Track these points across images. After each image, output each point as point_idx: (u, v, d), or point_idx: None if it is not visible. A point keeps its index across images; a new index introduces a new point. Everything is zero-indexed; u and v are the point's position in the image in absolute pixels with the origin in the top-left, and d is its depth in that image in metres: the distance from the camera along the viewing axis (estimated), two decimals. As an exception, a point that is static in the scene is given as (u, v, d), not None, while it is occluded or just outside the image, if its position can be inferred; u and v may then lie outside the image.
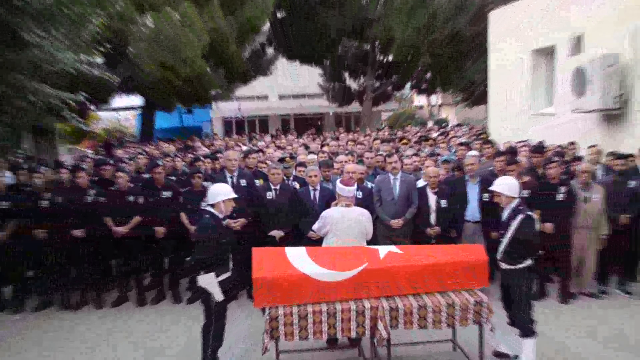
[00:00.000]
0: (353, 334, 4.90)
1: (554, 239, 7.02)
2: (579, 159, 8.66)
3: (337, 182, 5.79)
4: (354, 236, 5.62)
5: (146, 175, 8.70)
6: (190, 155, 10.29)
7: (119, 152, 11.44)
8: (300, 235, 7.16)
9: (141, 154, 10.01)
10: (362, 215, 5.72)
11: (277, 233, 7.20)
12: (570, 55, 12.09)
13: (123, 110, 33.57)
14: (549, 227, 7.03)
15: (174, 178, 8.59)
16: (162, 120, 28.05)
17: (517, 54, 14.35)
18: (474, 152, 8.70)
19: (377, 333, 4.84)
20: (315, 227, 5.88)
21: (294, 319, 4.80)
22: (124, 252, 7.58)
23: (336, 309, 4.86)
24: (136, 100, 23.66)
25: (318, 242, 6.37)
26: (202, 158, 8.93)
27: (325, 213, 5.74)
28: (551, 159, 7.28)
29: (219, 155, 9.60)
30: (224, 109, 35.31)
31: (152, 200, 7.54)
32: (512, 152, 8.81)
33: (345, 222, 5.61)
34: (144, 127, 23.91)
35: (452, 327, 5.21)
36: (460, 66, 26.06)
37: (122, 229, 7.40)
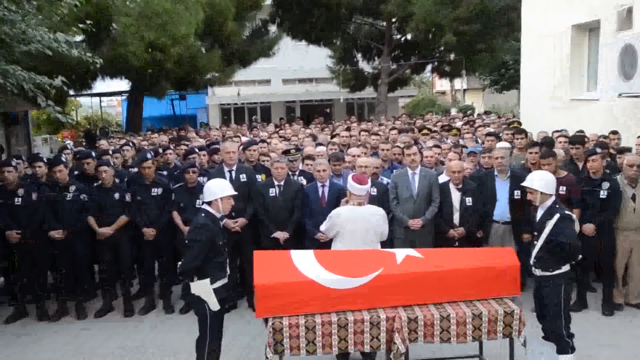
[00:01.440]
0: (367, 348, 4.91)
1: (595, 242, 7.00)
2: (625, 150, 8.60)
3: (349, 177, 5.80)
4: (366, 239, 5.63)
5: (134, 170, 8.75)
6: (183, 147, 10.32)
7: (103, 144, 11.46)
8: (307, 238, 7.19)
9: (128, 145, 10.05)
10: (376, 215, 5.72)
11: (281, 235, 7.23)
12: (617, 30, 11.97)
13: (107, 96, 33.76)
14: (590, 228, 7.01)
15: (165, 173, 8.62)
16: (152, 108, 28.20)
17: (554, 31, 14.25)
18: (503, 144, 8.68)
19: (393, 347, 4.83)
20: (323, 227, 5.89)
21: (300, 331, 4.81)
22: (109, 256, 7.63)
23: (348, 319, 4.86)
24: (122, 84, 23.83)
25: (327, 245, 6.40)
26: (196, 150, 8.96)
27: (334, 212, 5.75)
28: (593, 150, 7.24)
29: (215, 147, 9.63)
30: (221, 95, 35.35)
31: (140, 198, 7.59)
32: (547, 143, 8.76)
33: (356, 223, 5.62)
34: (130, 116, 24.00)
35: (478, 341, 5.20)
36: (488, 46, 25.93)
37: (106, 230, 7.45)
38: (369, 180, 5.91)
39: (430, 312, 4.97)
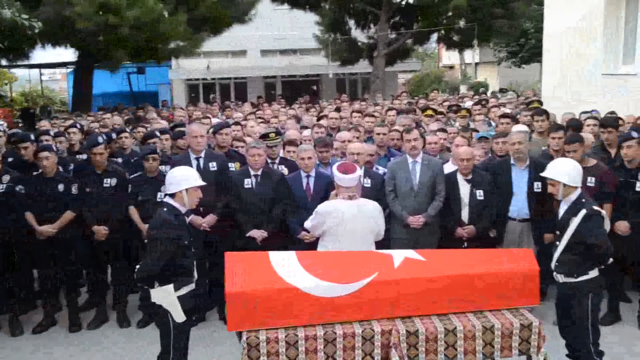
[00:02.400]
0: (358, 367, 4.95)
1: (630, 242, 7.06)
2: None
3: (334, 167, 5.84)
4: (361, 239, 5.67)
5: (82, 157, 8.70)
6: (142, 130, 10.27)
7: (44, 125, 11.38)
8: (288, 237, 7.21)
9: (75, 127, 9.99)
10: (372, 210, 5.75)
11: (258, 234, 7.24)
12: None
13: (49, 68, 33.47)
14: (623, 226, 7.07)
15: (120, 160, 8.58)
16: (104, 83, 28.02)
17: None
18: (521, 127, 8.74)
19: (390, 366, 4.89)
20: (308, 224, 5.92)
21: (280, 347, 4.82)
22: (51, 260, 7.59)
23: (336, 333, 4.89)
24: (67, 54, 23.61)
25: (312, 245, 6.42)
26: (158, 134, 8.93)
27: (320, 208, 5.78)
28: (628, 135, 7.28)
29: (180, 130, 9.60)
30: (188, 68, 35.21)
31: (89, 190, 7.55)
32: (574, 126, 8.84)
33: (348, 221, 5.65)
34: (78, 92, 23.83)
35: (490, 359, 5.26)
36: (505, 11, 26.00)
37: (48, 228, 7.42)
38: (359, 169, 5.91)
39: (433, 324, 5.01)
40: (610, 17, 13.74)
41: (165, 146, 8.92)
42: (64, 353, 7.08)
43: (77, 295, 7.94)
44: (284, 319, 4.94)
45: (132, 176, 7.80)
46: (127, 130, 9.86)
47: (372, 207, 5.83)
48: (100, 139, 7.81)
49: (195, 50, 24.96)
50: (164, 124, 11.68)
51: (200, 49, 25.69)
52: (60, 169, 7.78)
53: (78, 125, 10.29)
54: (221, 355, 6.68)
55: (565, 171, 5.47)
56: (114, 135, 9.39)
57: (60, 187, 7.50)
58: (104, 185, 7.59)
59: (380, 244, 6.00)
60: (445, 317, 5.12)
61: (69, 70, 30.75)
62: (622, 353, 6.55)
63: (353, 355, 4.90)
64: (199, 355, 6.53)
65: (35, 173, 7.66)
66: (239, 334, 5.01)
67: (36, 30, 8.38)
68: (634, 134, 7.16)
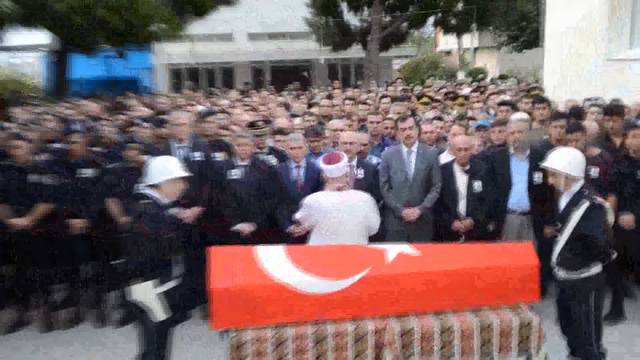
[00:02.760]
0: (350, 368, 4.97)
1: (635, 236, 7.10)
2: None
3: (320, 159, 5.84)
4: (353, 232, 5.68)
5: (58, 146, 8.66)
6: (122, 118, 10.24)
7: (17, 112, 11.34)
8: (277, 231, 7.21)
9: (49, 114, 9.94)
10: (363, 202, 5.76)
11: (244, 227, 7.24)
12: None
13: (21, 52, 33.23)
14: (627, 219, 7.09)
15: (98, 150, 8.55)
16: (81, 68, 27.84)
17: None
18: (520, 114, 8.75)
19: (383, 366, 4.90)
20: (298, 216, 5.92)
21: (267, 347, 4.83)
22: (24, 255, 7.57)
23: (327, 332, 4.90)
24: (41, 37, 23.41)
25: (302, 240, 6.41)
26: (139, 122, 8.90)
27: (309, 200, 5.79)
28: (634, 123, 7.31)
29: (163, 118, 9.57)
30: (171, 52, 35.09)
31: (65, 181, 7.52)
32: (576, 113, 8.85)
33: (334, 214, 5.66)
34: (53, 77, 23.70)
35: (488, 358, 5.28)
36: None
37: (20, 222, 7.39)
38: (345, 157, 5.89)
39: (429, 322, 5.02)
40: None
41: (147, 135, 8.88)
42: (64, 353, 7.07)
43: (51, 293, 7.90)
44: (272, 316, 4.94)
45: (111, 166, 7.76)
46: (106, 117, 9.81)
47: (362, 199, 5.84)
48: (76, 127, 7.77)
49: (178, 33, 24.86)
50: (146, 111, 11.65)
51: (183, 32, 25.60)
52: (35, 158, 7.74)
53: (53, 113, 10.23)
54: (205, 356, 6.68)
55: (566, 161, 5.48)
56: (91, 123, 9.34)
57: (34, 177, 7.46)
58: (81, 176, 7.55)
59: (373, 238, 6.01)
60: (441, 315, 5.13)
61: (42, 53, 30.50)
62: (623, 353, 6.56)
63: (344, 354, 4.91)
64: (182, 356, 6.52)
65: (6, 162, 7.62)
66: (224, 333, 5.00)
67: (7, 11, 8.32)
68: (639, 123, 7.17)
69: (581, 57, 14.50)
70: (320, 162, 5.79)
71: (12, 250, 7.49)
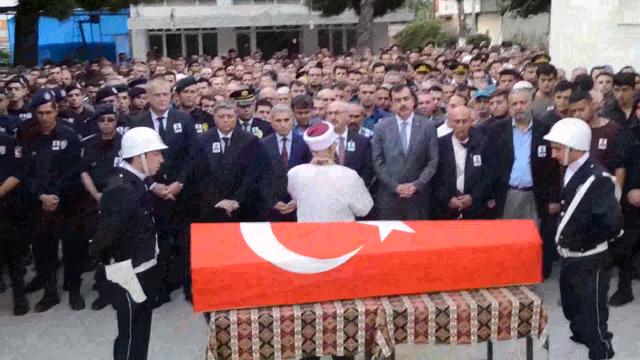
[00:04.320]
0: (340, 351, 5.00)
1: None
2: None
3: (305, 133, 5.87)
4: (327, 210, 5.70)
5: (26, 116, 8.63)
6: (96, 87, 10.19)
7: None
8: (262, 208, 7.23)
9: (17, 82, 9.87)
10: (346, 179, 5.77)
11: (228, 204, 7.25)
12: None
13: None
14: (636, 196, 7.12)
15: (70, 121, 8.52)
16: (51, 33, 27.64)
17: None
18: (524, 84, 8.75)
19: (375, 349, 4.93)
20: (289, 189, 5.98)
21: (252, 329, 4.87)
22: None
23: (315, 314, 4.93)
24: (8, -1, 23.19)
25: (289, 218, 6.45)
26: (114, 91, 8.86)
27: (290, 172, 5.87)
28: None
29: (140, 87, 9.53)
30: (149, 17, 34.81)
31: (35, 154, 7.49)
32: (583, 83, 8.85)
33: (312, 188, 5.71)
34: (20, 42, 23.49)
35: (486, 342, 5.33)
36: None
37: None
38: (330, 129, 5.81)
39: (424, 303, 5.06)
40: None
41: (123, 105, 8.86)
42: (9, 338, 7.05)
43: (22, 274, 7.91)
44: (257, 297, 4.97)
45: (85, 138, 7.74)
46: (79, 86, 9.76)
47: (342, 176, 5.81)
48: (47, 96, 7.70)
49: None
50: (122, 80, 11.60)
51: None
52: (1, 129, 7.71)
53: (21, 80, 10.17)
54: (187, 339, 6.72)
55: (571, 133, 5.46)
56: (63, 92, 9.29)
57: (1, 150, 7.44)
58: (53, 148, 7.51)
59: (365, 216, 6.04)
60: (436, 296, 5.17)
61: (9, 16, 30.22)
62: (633, 335, 6.59)
63: (334, 337, 4.95)
64: (162, 339, 6.56)
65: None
66: (207, 315, 5.03)
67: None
68: (651, 93, 7.17)
69: (591, 23, 14.49)
70: (304, 134, 5.80)
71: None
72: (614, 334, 5.67)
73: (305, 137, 5.79)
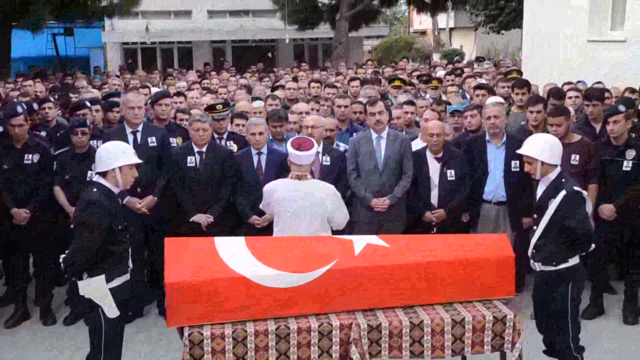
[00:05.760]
0: (314, 366, 5.01)
1: (616, 227, 7.19)
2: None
3: (288, 142, 5.87)
4: (309, 226, 5.71)
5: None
6: (70, 99, 10.14)
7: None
8: (238, 223, 7.22)
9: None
10: (324, 193, 5.80)
11: (202, 218, 7.24)
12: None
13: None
14: (608, 210, 7.17)
15: (43, 134, 8.45)
16: (25, 46, 27.43)
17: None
18: (497, 99, 8.82)
19: (349, 364, 4.95)
20: (262, 205, 5.95)
21: (226, 344, 4.84)
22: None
23: (290, 328, 4.91)
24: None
25: (264, 232, 6.44)
26: (88, 104, 8.82)
27: (266, 187, 5.85)
28: (615, 108, 7.38)
29: (114, 100, 9.49)
30: (124, 30, 34.69)
31: (6, 167, 7.43)
32: (555, 96, 8.94)
33: (292, 203, 5.70)
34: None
35: (460, 356, 5.34)
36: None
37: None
38: (315, 145, 5.91)
39: (398, 318, 5.06)
40: None
41: (97, 118, 8.80)
42: (10, 352, 7.03)
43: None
44: (231, 312, 4.95)
45: (58, 152, 7.68)
46: (52, 99, 9.70)
47: (323, 189, 5.86)
48: (19, 109, 7.64)
49: (132, 8, 24.60)
50: (96, 93, 11.54)
51: (137, 7, 25.33)
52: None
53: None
54: (160, 355, 6.68)
55: (542, 148, 5.49)
56: (35, 105, 9.22)
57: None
58: (25, 162, 7.44)
59: (340, 231, 6.05)
60: (411, 310, 5.18)
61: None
62: (604, 349, 6.68)
63: (309, 352, 4.93)
64: (135, 355, 6.52)
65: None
66: (181, 330, 5.00)
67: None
68: (621, 108, 7.23)
69: (562, 39, 14.67)
70: (289, 146, 5.77)
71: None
72: (586, 348, 5.69)
73: (293, 150, 5.74)
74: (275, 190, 5.78)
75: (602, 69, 12.57)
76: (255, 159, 7.30)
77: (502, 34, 33.48)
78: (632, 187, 7.12)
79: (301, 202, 5.70)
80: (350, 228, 6.92)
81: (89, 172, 7.12)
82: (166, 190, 7.39)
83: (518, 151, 5.74)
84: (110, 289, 5.10)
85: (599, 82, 10.74)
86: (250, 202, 6.97)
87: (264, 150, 7.32)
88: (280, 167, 6.78)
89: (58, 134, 8.45)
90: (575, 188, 5.43)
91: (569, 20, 14.50)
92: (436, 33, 43.90)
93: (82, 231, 5.03)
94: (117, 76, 16.82)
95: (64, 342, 7.13)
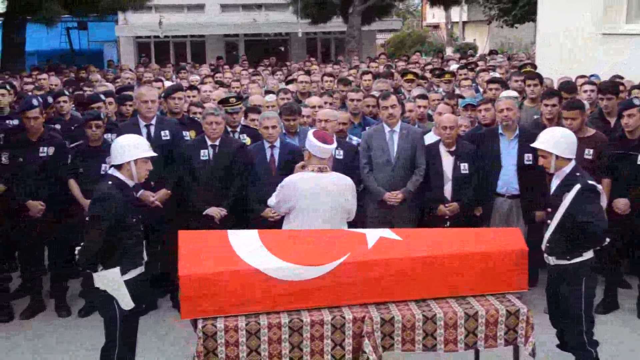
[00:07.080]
0: (327, 359, 4.99)
1: (630, 221, 7.15)
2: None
3: (309, 133, 5.83)
4: (331, 218, 5.69)
5: (12, 122, 8.59)
6: (84, 94, 10.16)
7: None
8: (250, 215, 7.25)
9: (4, 88, 9.84)
10: (344, 185, 5.80)
11: (215, 211, 7.25)
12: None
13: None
14: (623, 204, 7.14)
15: (57, 127, 8.49)
16: (39, 40, 27.55)
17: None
18: (511, 92, 8.79)
19: (362, 357, 4.93)
20: (272, 201, 5.95)
21: (240, 337, 4.85)
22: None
23: (303, 321, 4.93)
24: (-5, 4, 23.13)
25: (276, 224, 6.44)
26: (102, 97, 8.84)
27: (286, 181, 5.79)
28: (629, 102, 7.34)
29: (128, 93, 9.51)
30: (137, 24, 34.75)
31: (22, 160, 7.46)
32: (569, 90, 8.90)
33: (316, 197, 5.67)
34: (8, 48, 23.38)
35: (473, 350, 5.33)
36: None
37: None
38: (335, 139, 5.93)
39: (411, 311, 5.07)
40: None
41: (110, 111, 8.83)
42: (28, 344, 7.02)
43: (6, 282, 7.86)
44: (245, 305, 4.97)
45: (72, 145, 7.71)
46: (67, 92, 9.72)
47: (343, 182, 5.85)
48: (34, 102, 7.67)
49: (145, 3, 24.60)
50: (110, 86, 11.57)
51: (150, 1, 25.33)
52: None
53: (8, 86, 10.13)
54: (174, 347, 6.70)
55: (557, 141, 5.48)
56: (50, 99, 9.26)
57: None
58: (40, 154, 7.47)
59: (352, 223, 6.04)
60: (423, 303, 5.18)
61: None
62: (619, 344, 6.66)
63: (321, 345, 4.95)
64: (150, 347, 6.54)
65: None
66: (194, 323, 5.01)
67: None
68: (636, 102, 7.18)
69: (576, 32, 14.59)
70: (311, 137, 5.71)
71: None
72: (600, 342, 5.67)
73: (318, 143, 5.66)
74: (295, 184, 5.72)
75: (616, 62, 12.49)
76: (268, 152, 7.30)
77: (516, 27, 33.31)
78: None
79: (322, 194, 5.67)
80: (363, 221, 6.94)
81: (103, 165, 7.15)
82: (178, 185, 7.42)
83: (533, 144, 5.72)
84: (125, 282, 5.13)
85: (617, 76, 10.65)
86: (262, 196, 6.97)
87: (277, 143, 7.32)
88: (293, 161, 6.76)
89: (72, 127, 8.48)
90: (590, 182, 5.41)
91: (583, 14, 14.40)
92: (449, 27, 43.67)
93: (96, 223, 5.07)
94: (130, 70, 16.84)
95: (79, 333, 7.17)
